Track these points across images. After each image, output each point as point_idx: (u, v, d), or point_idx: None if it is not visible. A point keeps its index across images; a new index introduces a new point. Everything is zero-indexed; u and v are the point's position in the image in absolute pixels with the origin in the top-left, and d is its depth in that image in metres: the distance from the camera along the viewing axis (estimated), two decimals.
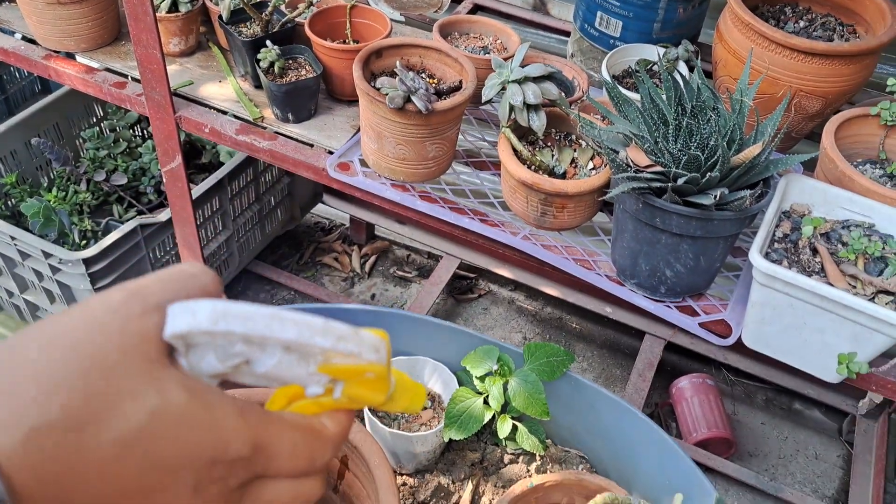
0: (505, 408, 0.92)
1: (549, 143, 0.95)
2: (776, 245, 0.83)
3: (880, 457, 1.44)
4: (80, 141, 1.58)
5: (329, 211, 1.87)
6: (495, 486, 0.95)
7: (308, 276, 1.75)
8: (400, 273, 1.79)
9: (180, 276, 0.32)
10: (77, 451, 0.27)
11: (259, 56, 1.01)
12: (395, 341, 0.99)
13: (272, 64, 1.01)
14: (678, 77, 0.82)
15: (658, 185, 0.77)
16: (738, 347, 1.61)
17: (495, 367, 0.87)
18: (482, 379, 0.89)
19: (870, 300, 0.74)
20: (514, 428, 0.94)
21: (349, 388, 0.35)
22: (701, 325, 0.87)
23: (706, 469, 1.47)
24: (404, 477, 0.97)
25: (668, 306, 0.88)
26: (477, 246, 1.74)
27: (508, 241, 0.93)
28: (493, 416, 0.92)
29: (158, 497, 0.29)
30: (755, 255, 0.76)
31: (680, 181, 0.75)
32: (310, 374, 0.34)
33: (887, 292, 0.76)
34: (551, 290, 1.71)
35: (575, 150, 0.95)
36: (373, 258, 1.80)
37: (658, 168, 0.78)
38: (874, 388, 0.84)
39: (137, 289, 0.31)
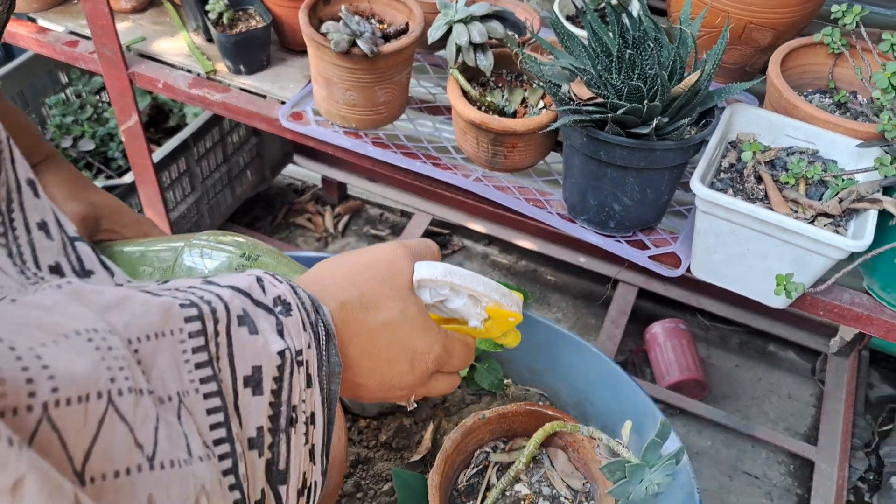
0: None
1: (499, 85, 0.95)
2: (722, 175, 0.83)
3: (850, 392, 1.46)
4: (46, 108, 1.58)
5: (301, 172, 1.87)
6: (456, 425, 0.97)
7: (282, 238, 1.75)
8: (373, 232, 1.80)
9: (428, 246, 0.53)
10: (362, 322, 0.46)
11: (207, 7, 1.01)
12: None
13: (221, 15, 1.01)
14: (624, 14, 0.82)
15: (600, 117, 0.78)
16: (712, 291, 1.62)
17: None
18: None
19: (809, 223, 0.75)
20: (473, 368, 0.95)
21: (490, 325, 0.54)
22: (651, 257, 0.88)
23: (679, 411, 1.49)
24: (368, 420, 0.98)
25: (619, 241, 0.89)
26: (450, 201, 1.75)
27: (461, 183, 0.93)
28: None
29: (394, 363, 0.47)
30: (696, 183, 0.76)
31: (620, 112, 0.75)
32: (476, 313, 0.53)
33: (826, 215, 0.77)
34: (525, 242, 1.71)
35: (525, 91, 0.95)
36: (346, 218, 1.80)
37: (599, 100, 0.78)
38: (821, 313, 0.85)
39: (405, 244, 0.50)
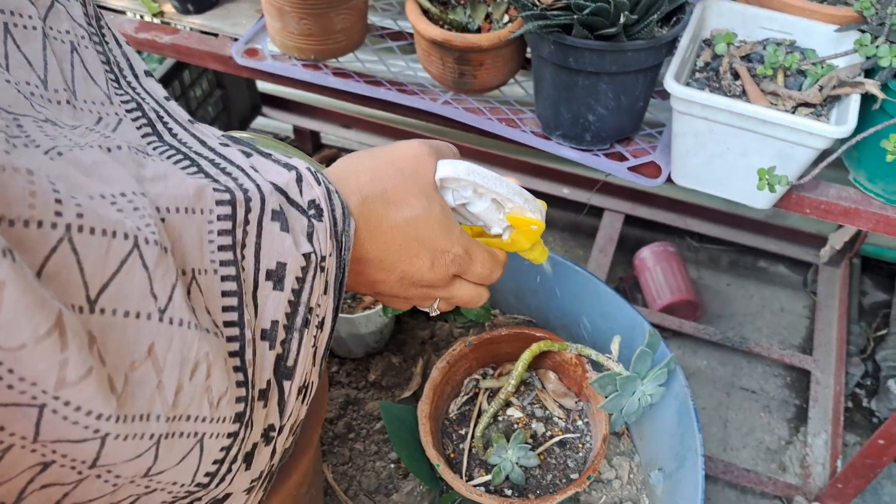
0: None
1: (461, 2, 0.91)
2: (697, 75, 0.80)
3: (843, 300, 1.45)
4: None
5: (271, 124, 1.82)
6: None
7: None
8: None
9: (450, 147, 0.52)
10: (384, 218, 0.46)
11: None
12: None
13: None
14: None
15: (567, 21, 0.74)
16: (699, 212, 1.60)
17: None
18: None
19: (790, 114, 0.72)
20: None
21: (514, 234, 0.54)
22: (630, 168, 0.85)
23: (673, 333, 1.48)
24: (356, 361, 0.96)
25: (596, 154, 0.86)
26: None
27: (428, 107, 0.89)
28: None
29: (415, 260, 0.48)
30: (670, 81, 0.73)
31: (586, 12, 0.72)
32: (499, 219, 0.53)
33: (807, 104, 0.74)
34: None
35: (489, 6, 0.90)
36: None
37: (564, 3, 0.74)
38: (808, 211, 0.83)
39: (429, 142, 0.50)
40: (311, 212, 0.40)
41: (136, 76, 0.43)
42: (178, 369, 0.31)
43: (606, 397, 0.73)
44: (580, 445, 0.78)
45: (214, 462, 0.35)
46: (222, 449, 0.35)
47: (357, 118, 1.74)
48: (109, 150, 0.33)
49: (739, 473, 1.24)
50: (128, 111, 0.40)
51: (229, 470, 0.36)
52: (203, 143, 0.40)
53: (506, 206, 0.53)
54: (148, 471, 0.31)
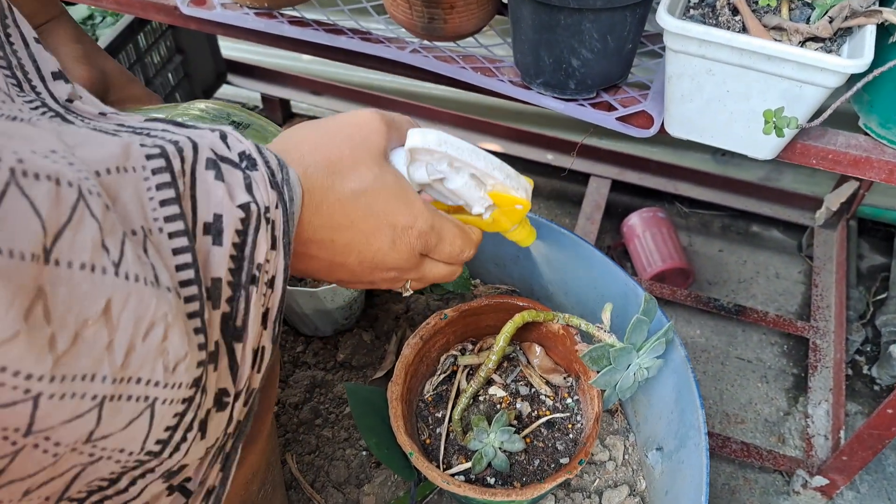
0: None
1: None
2: (692, 11, 0.71)
3: (841, 264, 1.38)
4: None
5: (239, 93, 1.72)
6: None
7: None
8: None
9: (409, 121, 0.48)
10: (330, 190, 0.42)
11: None
12: None
13: None
14: None
15: None
16: (689, 175, 1.52)
17: None
18: None
19: (799, 48, 0.64)
20: None
21: (497, 214, 0.49)
22: (619, 119, 0.77)
23: (665, 302, 1.41)
24: (324, 340, 0.88)
25: (582, 104, 0.78)
26: (403, 107, 1.62)
27: (395, 56, 0.81)
28: None
29: (373, 239, 0.44)
30: (663, 15, 0.64)
31: None
32: (479, 197, 0.48)
33: (815, 39, 0.66)
34: (489, 144, 1.60)
35: None
36: None
37: None
38: (813, 162, 0.75)
39: (384, 112, 0.46)
40: (244, 163, 0.37)
41: (42, 79, 0.40)
42: (132, 329, 0.29)
43: (598, 372, 0.66)
44: (570, 426, 0.70)
45: (167, 429, 0.33)
46: (176, 415, 0.33)
47: (329, 84, 1.64)
48: (23, 120, 0.32)
49: (738, 447, 1.18)
50: (32, 109, 0.38)
51: (184, 438, 0.34)
52: (121, 124, 0.38)
53: (487, 183, 0.48)
54: (90, 435, 0.29)
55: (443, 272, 0.50)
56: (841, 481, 1.13)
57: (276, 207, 0.38)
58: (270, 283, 0.38)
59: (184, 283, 0.33)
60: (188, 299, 0.33)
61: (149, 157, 0.33)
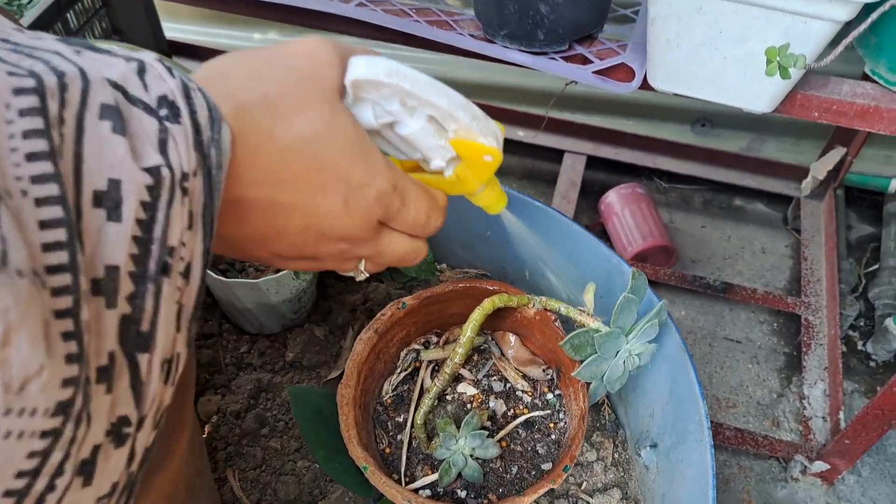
0: None
1: None
2: None
3: (830, 235, 1.31)
4: None
5: None
6: None
7: None
8: None
9: (365, 50, 0.39)
10: (269, 135, 0.34)
11: None
12: None
13: None
14: None
15: None
16: (667, 148, 1.44)
17: None
18: None
19: None
20: None
21: (461, 169, 0.40)
22: (596, 73, 0.68)
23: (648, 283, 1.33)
24: (271, 337, 0.78)
25: (553, 58, 0.68)
26: None
27: (338, 10, 0.70)
28: None
29: (320, 198, 0.36)
30: None
31: None
32: (439, 147, 0.40)
33: None
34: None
35: None
36: None
37: None
38: (815, 115, 0.66)
39: (337, 41, 0.38)
40: (163, 111, 0.29)
41: None
42: None
43: (582, 362, 0.57)
44: (552, 425, 0.61)
45: (20, 475, 0.24)
46: (32, 455, 0.24)
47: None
48: None
49: (731, 434, 1.10)
50: None
51: (51, 487, 0.25)
52: (4, 39, 0.28)
53: (448, 128, 0.38)
54: None
55: (405, 247, 0.41)
56: (843, 466, 1.05)
57: (196, 175, 0.29)
58: (186, 273, 0.30)
59: (52, 270, 0.24)
60: (57, 292, 0.25)
61: (17, 91, 0.25)
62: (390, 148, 0.41)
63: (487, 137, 0.39)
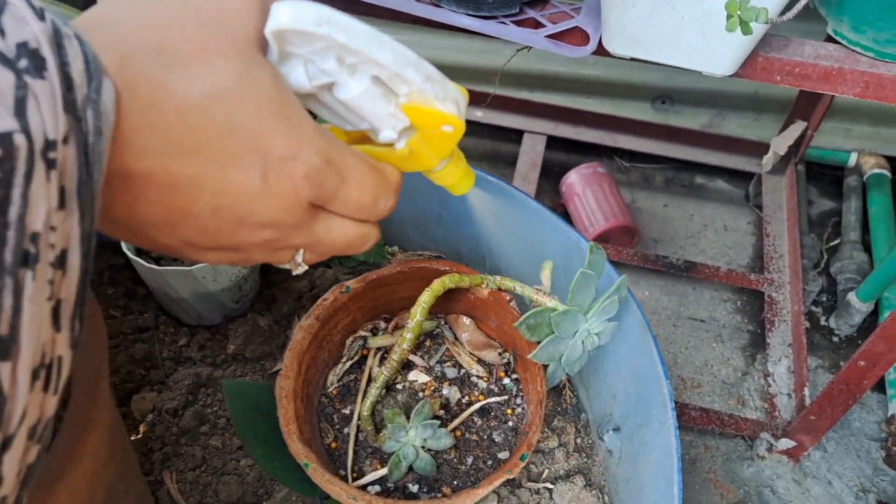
0: None
1: None
2: None
3: (792, 210, 1.30)
4: None
5: None
6: None
7: None
8: None
9: None
10: (165, 91, 0.27)
11: None
12: None
13: None
14: None
15: None
16: (628, 126, 1.41)
17: None
18: None
19: None
20: None
21: (416, 141, 0.34)
22: (548, 37, 0.64)
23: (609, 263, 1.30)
24: (211, 329, 0.73)
25: (503, 22, 0.64)
26: None
27: None
28: None
29: (232, 171, 0.29)
30: None
31: None
32: (388, 115, 0.33)
33: None
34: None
35: None
36: None
37: None
38: (777, 78, 0.63)
39: None
40: (22, 62, 0.23)
41: None
42: None
43: (539, 343, 0.53)
44: (509, 412, 0.57)
45: None
46: None
47: None
48: None
49: (696, 414, 1.08)
50: None
51: None
52: None
53: (399, 91, 0.32)
54: None
55: (349, 234, 0.34)
56: (808, 442, 1.04)
57: (66, 143, 0.24)
58: (60, 262, 0.25)
59: None
60: None
61: None
62: (331, 115, 0.35)
63: (446, 103, 0.32)
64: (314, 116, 0.34)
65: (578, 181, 1.34)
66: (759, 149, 1.38)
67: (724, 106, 1.42)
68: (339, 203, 0.32)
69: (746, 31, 0.50)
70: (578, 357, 0.54)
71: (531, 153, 1.38)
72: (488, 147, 1.51)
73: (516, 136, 1.43)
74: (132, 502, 0.49)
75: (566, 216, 1.38)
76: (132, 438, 0.65)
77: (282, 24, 0.29)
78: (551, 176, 1.44)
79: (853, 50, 0.62)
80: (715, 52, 0.59)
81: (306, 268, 0.35)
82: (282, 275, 0.75)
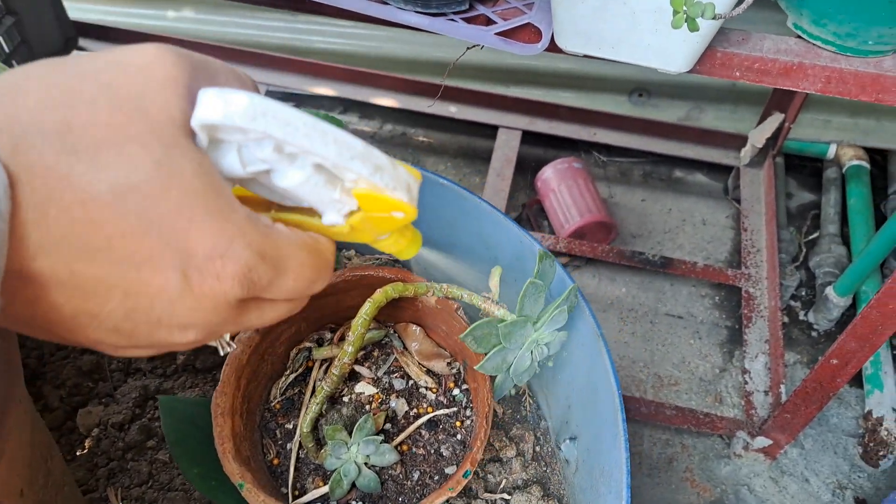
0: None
1: None
2: None
3: (770, 204, 1.28)
4: None
5: None
6: None
7: None
8: None
9: (228, 67, 0.31)
10: (68, 183, 0.24)
11: None
12: None
13: None
14: None
15: None
16: (605, 120, 1.39)
17: None
18: None
19: None
20: None
21: (359, 220, 0.31)
22: (499, 34, 0.62)
23: (586, 261, 1.29)
24: None
25: (452, 19, 0.62)
26: (286, 64, 1.43)
27: None
28: None
29: (147, 270, 0.26)
30: None
31: None
32: (333, 200, 0.31)
33: None
34: (385, 100, 1.43)
35: None
36: None
37: None
38: (737, 74, 0.61)
39: (183, 51, 0.28)
40: None
41: None
42: None
43: (486, 354, 0.51)
44: (458, 424, 0.55)
45: None
46: None
47: (199, 43, 1.44)
48: None
49: (672, 414, 1.07)
50: None
51: None
52: None
53: (345, 178, 0.30)
54: None
55: (280, 314, 0.31)
56: (784, 440, 1.03)
57: None
58: None
59: None
60: None
61: None
62: (269, 194, 0.32)
63: (397, 191, 0.30)
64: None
65: (554, 177, 1.32)
66: (738, 141, 1.36)
67: (702, 98, 1.40)
68: (273, 293, 0.29)
69: (693, 27, 0.48)
70: (527, 368, 0.53)
71: (506, 149, 1.36)
72: (463, 143, 1.49)
73: (491, 131, 1.41)
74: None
75: (542, 213, 1.37)
76: (77, 454, 0.63)
77: (210, 118, 0.27)
78: (528, 171, 1.42)
79: (814, 44, 0.60)
80: (669, 49, 0.56)
81: (233, 347, 0.32)
82: None
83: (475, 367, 0.51)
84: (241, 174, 0.29)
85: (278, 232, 0.29)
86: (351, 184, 0.30)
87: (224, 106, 0.26)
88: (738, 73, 0.62)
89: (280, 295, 0.30)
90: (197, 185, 0.26)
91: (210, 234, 0.26)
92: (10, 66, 1.28)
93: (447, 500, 0.48)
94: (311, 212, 0.32)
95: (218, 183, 0.27)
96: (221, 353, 0.32)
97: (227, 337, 0.31)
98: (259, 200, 0.32)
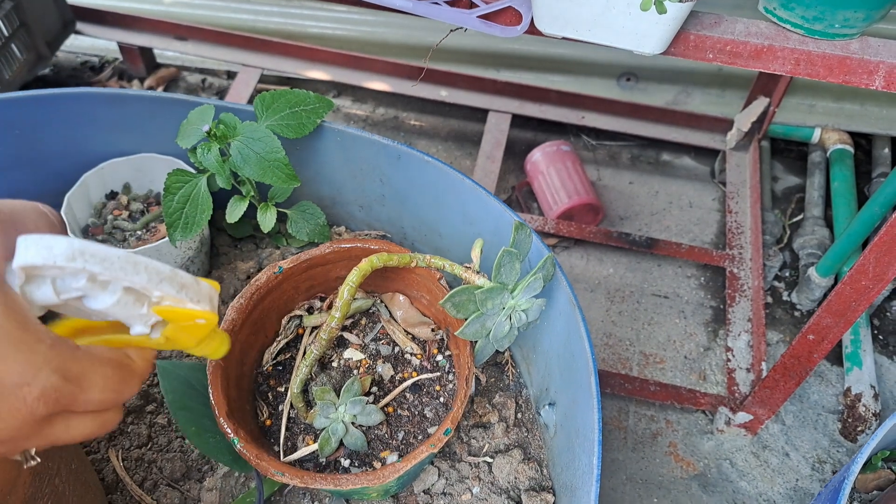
0: (238, 181, 0.68)
1: None
2: None
3: (755, 187, 1.31)
4: None
5: (95, 44, 1.52)
6: None
7: None
8: None
9: (33, 210, 0.34)
10: None
11: None
12: (116, 133, 0.73)
13: None
14: None
15: None
16: (594, 104, 1.42)
17: (206, 129, 0.62)
18: (194, 151, 0.64)
19: None
20: (285, 218, 0.71)
21: (171, 331, 0.36)
22: (481, 17, 0.64)
23: (574, 242, 1.31)
24: None
25: (436, 2, 0.64)
26: (280, 48, 1.45)
27: None
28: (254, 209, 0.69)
29: None
30: None
31: None
32: (140, 315, 0.35)
33: None
34: (378, 84, 1.45)
35: None
36: (160, 90, 1.48)
37: None
38: (710, 56, 0.64)
39: None
40: None
41: None
42: None
43: (466, 319, 0.54)
44: (440, 388, 0.58)
45: None
46: None
47: (195, 28, 1.46)
48: None
49: (657, 390, 1.10)
50: None
51: None
52: None
53: (151, 296, 0.35)
54: None
55: (88, 428, 0.34)
56: (765, 415, 1.06)
57: None
58: None
59: None
60: None
61: None
62: (77, 313, 0.36)
63: (200, 303, 0.35)
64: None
65: (542, 159, 1.35)
66: (724, 125, 1.39)
67: (689, 83, 1.42)
68: (80, 406, 0.32)
69: (661, 10, 0.51)
70: (506, 334, 0.55)
71: (495, 132, 1.38)
72: (453, 126, 1.51)
73: (481, 115, 1.43)
74: (66, 482, 0.50)
75: (532, 195, 1.39)
76: None
77: (31, 261, 0.30)
78: (518, 154, 1.45)
79: (783, 27, 0.63)
80: (643, 31, 0.59)
81: (37, 461, 0.36)
82: (229, 255, 0.76)
83: (455, 333, 0.54)
84: (55, 302, 0.33)
85: (83, 352, 0.32)
86: (157, 300, 0.35)
87: (47, 251, 0.31)
88: (710, 56, 0.64)
89: (88, 407, 0.33)
90: (4, 323, 0.29)
91: (17, 365, 0.29)
92: (10, 49, 1.30)
93: (431, 458, 0.51)
94: (124, 328, 0.36)
95: (24, 317, 0.30)
96: (25, 467, 0.36)
97: (33, 451, 0.35)
98: (77, 324, 0.36)
